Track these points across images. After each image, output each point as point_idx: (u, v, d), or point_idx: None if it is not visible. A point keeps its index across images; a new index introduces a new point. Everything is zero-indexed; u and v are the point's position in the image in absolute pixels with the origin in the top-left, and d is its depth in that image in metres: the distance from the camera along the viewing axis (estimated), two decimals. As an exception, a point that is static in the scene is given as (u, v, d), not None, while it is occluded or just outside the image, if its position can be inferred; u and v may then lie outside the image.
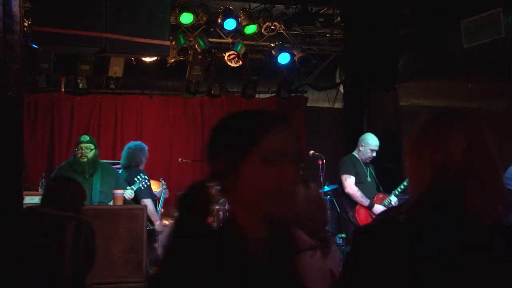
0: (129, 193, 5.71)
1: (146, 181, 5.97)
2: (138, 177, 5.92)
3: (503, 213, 1.40)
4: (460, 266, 1.31)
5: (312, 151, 6.83)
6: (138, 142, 6.55)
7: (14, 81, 3.83)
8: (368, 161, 6.25)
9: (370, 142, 6.19)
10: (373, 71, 6.87)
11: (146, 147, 6.49)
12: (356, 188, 6.12)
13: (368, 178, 6.25)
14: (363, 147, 6.21)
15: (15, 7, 3.86)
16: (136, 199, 5.91)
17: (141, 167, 6.27)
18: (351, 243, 1.49)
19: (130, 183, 5.90)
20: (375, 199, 6.18)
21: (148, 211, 5.64)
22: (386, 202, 6.14)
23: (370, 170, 6.30)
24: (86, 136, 5.95)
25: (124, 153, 6.38)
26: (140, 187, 5.88)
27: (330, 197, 7.00)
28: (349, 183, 6.14)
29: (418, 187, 1.44)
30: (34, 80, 7.38)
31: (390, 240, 1.35)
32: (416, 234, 1.34)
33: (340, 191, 6.34)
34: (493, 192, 1.38)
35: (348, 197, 6.17)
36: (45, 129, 8.52)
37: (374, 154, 6.21)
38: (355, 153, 6.31)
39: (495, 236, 1.37)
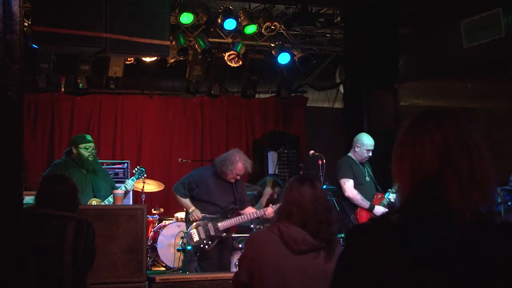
0: (130, 185, 5.80)
1: (143, 173, 6.00)
2: (136, 169, 5.96)
3: (489, 209, 1.40)
4: (445, 267, 1.33)
5: (312, 151, 6.81)
6: None
7: (14, 81, 3.83)
8: (364, 161, 6.20)
9: (365, 142, 6.13)
10: (373, 71, 6.86)
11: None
12: (355, 192, 6.08)
13: (367, 178, 6.21)
14: (358, 148, 6.16)
15: (15, 7, 3.86)
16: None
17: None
18: (344, 241, 1.51)
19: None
20: (374, 199, 6.14)
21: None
22: (384, 201, 6.11)
23: (367, 170, 6.25)
24: (88, 135, 6.00)
25: None
26: (140, 178, 5.95)
27: (330, 197, 7.01)
28: (348, 186, 6.10)
29: (403, 188, 1.46)
30: (34, 80, 7.38)
31: (382, 240, 1.37)
32: (405, 235, 1.36)
33: (340, 194, 6.29)
34: (475, 188, 1.38)
35: (349, 200, 6.13)
36: (45, 129, 8.53)
37: (370, 154, 6.14)
38: (350, 154, 6.25)
39: (480, 234, 1.38)
